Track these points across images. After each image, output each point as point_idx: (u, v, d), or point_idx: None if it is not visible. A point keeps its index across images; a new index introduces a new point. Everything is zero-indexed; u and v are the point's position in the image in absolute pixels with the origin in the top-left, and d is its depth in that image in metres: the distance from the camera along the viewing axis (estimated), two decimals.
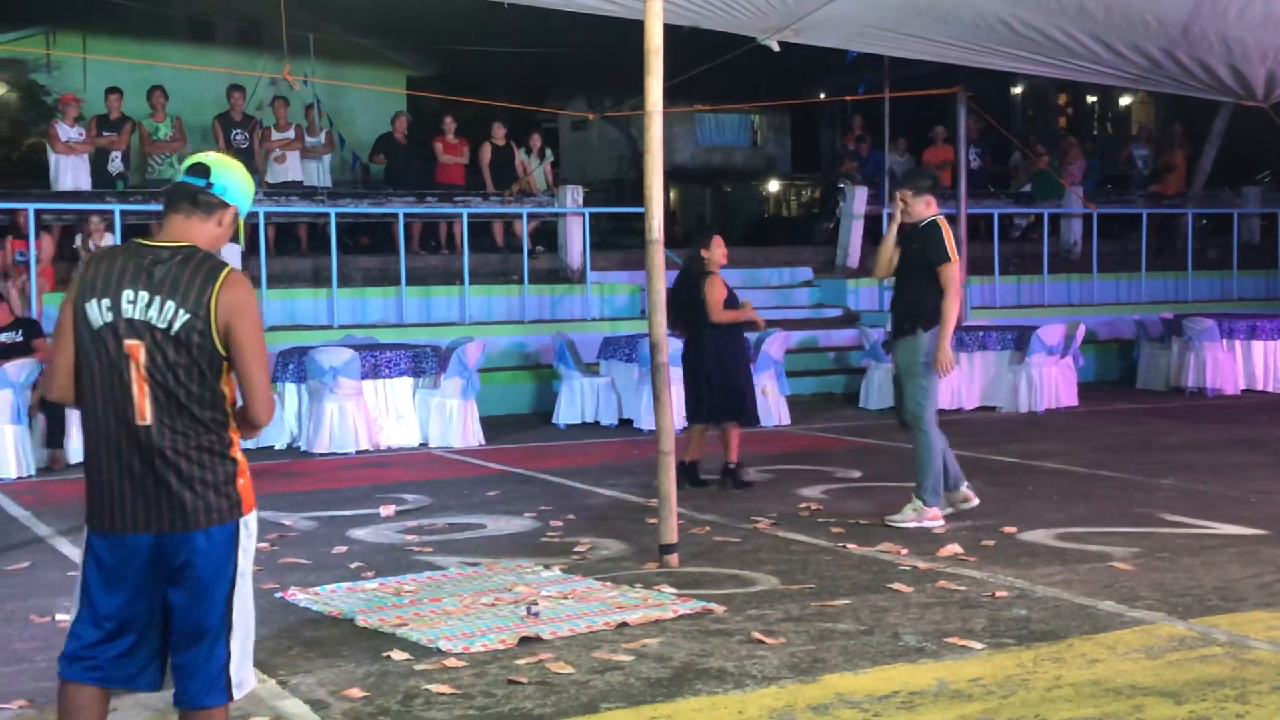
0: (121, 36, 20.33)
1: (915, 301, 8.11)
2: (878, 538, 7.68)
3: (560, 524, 8.30)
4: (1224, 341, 15.43)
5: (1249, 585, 6.48)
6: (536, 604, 6.16)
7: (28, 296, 12.82)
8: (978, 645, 5.51)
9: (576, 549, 7.54)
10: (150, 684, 3.77)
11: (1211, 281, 19.26)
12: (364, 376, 11.72)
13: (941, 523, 8.02)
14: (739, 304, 9.64)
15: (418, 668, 5.31)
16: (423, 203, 16.22)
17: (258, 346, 3.71)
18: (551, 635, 5.72)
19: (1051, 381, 14.12)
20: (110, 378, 3.65)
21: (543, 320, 15.29)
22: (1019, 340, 14.24)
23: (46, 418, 10.88)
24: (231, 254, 12.16)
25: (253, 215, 13.52)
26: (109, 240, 13.43)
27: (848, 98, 24.77)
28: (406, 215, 15.57)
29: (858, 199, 18.24)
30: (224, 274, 3.66)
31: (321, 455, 11.45)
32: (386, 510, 8.79)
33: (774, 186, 41.12)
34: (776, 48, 9.46)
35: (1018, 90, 32.01)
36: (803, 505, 8.76)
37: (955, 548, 7.33)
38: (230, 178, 3.82)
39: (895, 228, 8.31)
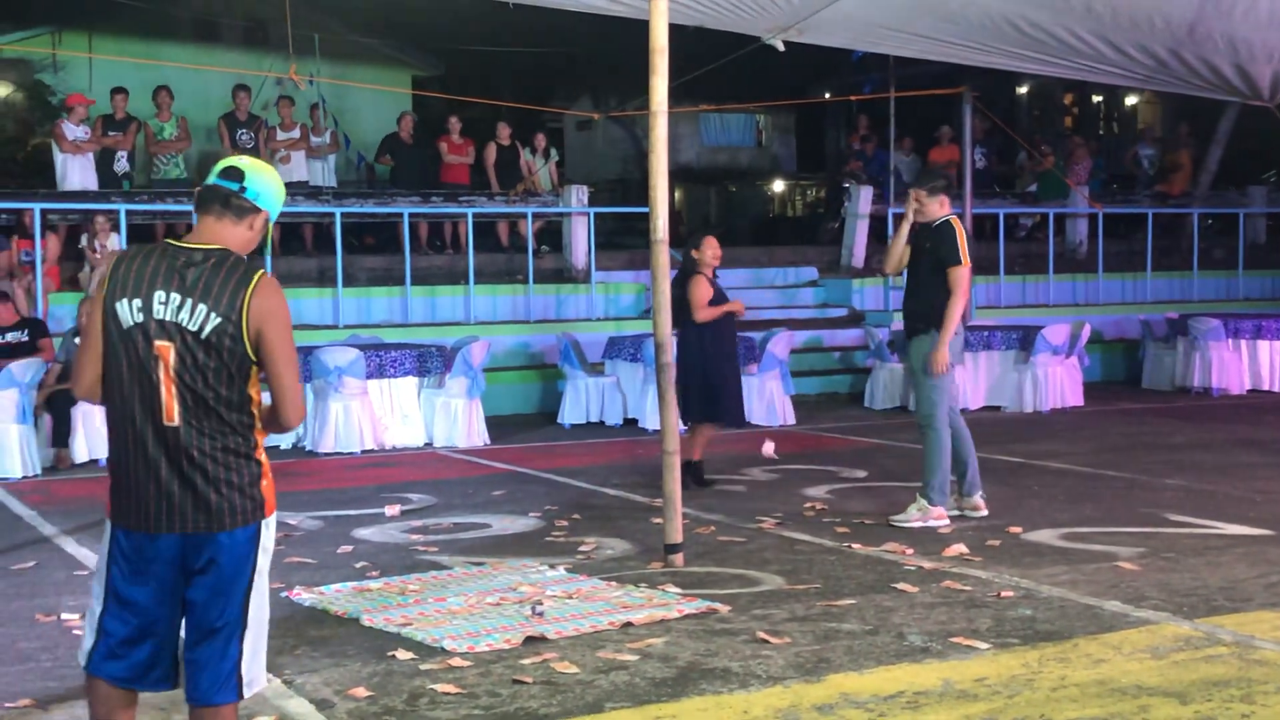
0: (127, 36, 20.32)
1: (928, 301, 8.07)
2: (883, 537, 7.67)
3: (565, 524, 8.30)
4: (1229, 341, 15.40)
5: (1255, 585, 6.47)
6: (541, 604, 6.16)
7: (33, 296, 12.85)
8: (983, 645, 5.51)
9: (581, 549, 7.53)
10: (169, 685, 3.79)
11: (1217, 281, 19.22)
12: (369, 376, 11.73)
13: (947, 522, 8.02)
14: (727, 303, 9.59)
15: (423, 667, 5.31)
16: (428, 203, 16.22)
17: (289, 351, 3.72)
18: (556, 635, 5.72)
19: (1057, 381, 14.10)
20: (139, 378, 3.64)
21: (548, 320, 15.29)
22: (1024, 340, 14.23)
23: (52, 417, 10.89)
24: None
25: None
26: (114, 240, 13.45)
27: (853, 98, 24.80)
28: (411, 215, 15.57)
29: (863, 199, 18.22)
30: (256, 278, 3.66)
31: (327, 455, 11.46)
32: (391, 510, 8.79)
33: (779, 186, 41.11)
34: (782, 47, 9.48)
35: (1023, 90, 31.98)
36: (808, 505, 8.76)
37: (960, 548, 7.33)
38: (264, 183, 3.82)
39: (907, 226, 8.24)
